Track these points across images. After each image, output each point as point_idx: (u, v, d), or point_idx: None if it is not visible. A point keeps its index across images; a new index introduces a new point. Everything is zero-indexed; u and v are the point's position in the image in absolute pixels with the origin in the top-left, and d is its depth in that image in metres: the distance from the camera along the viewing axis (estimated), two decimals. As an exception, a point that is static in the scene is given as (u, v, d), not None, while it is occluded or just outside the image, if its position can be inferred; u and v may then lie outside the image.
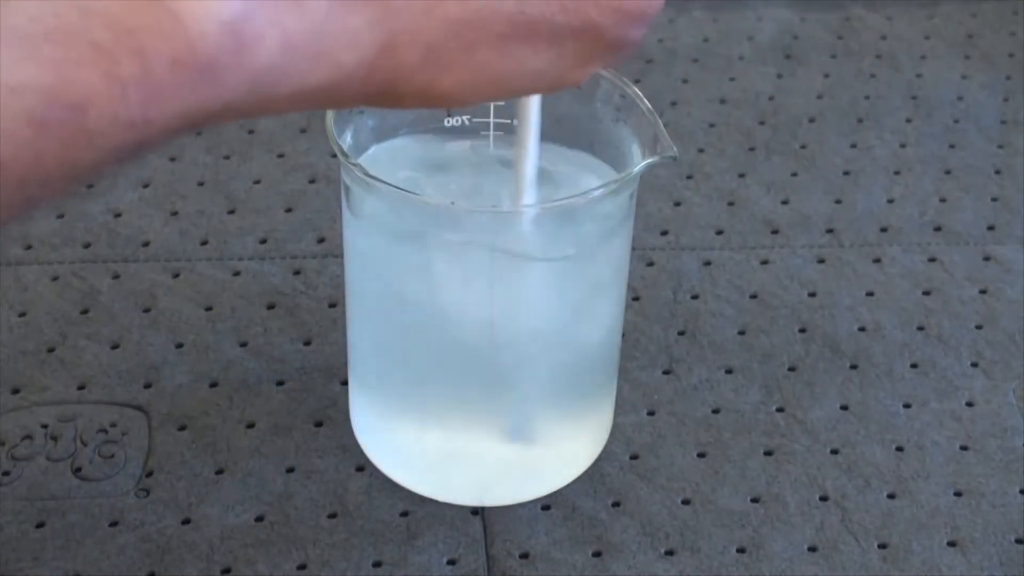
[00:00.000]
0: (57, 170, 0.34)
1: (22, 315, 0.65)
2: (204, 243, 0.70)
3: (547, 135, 0.52)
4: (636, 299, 0.68)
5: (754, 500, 0.59)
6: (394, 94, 0.41)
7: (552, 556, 0.56)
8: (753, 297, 0.69)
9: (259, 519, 0.57)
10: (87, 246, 0.69)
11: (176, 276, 0.68)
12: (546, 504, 0.58)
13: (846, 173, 0.76)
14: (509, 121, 0.56)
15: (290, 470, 0.59)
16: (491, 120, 0.56)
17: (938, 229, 0.73)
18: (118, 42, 0.34)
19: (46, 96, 0.33)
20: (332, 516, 0.58)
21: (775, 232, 0.72)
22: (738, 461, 0.61)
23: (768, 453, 0.61)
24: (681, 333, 0.66)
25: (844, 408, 0.63)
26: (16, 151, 0.33)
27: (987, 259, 0.71)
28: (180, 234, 0.70)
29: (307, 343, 0.65)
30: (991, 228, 0.73)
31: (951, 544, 0.58)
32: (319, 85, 0.38)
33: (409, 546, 0.56)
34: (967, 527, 0.58)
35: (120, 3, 0.34)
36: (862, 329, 0.67)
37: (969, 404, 0.64)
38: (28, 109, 0.33)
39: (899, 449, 0.62)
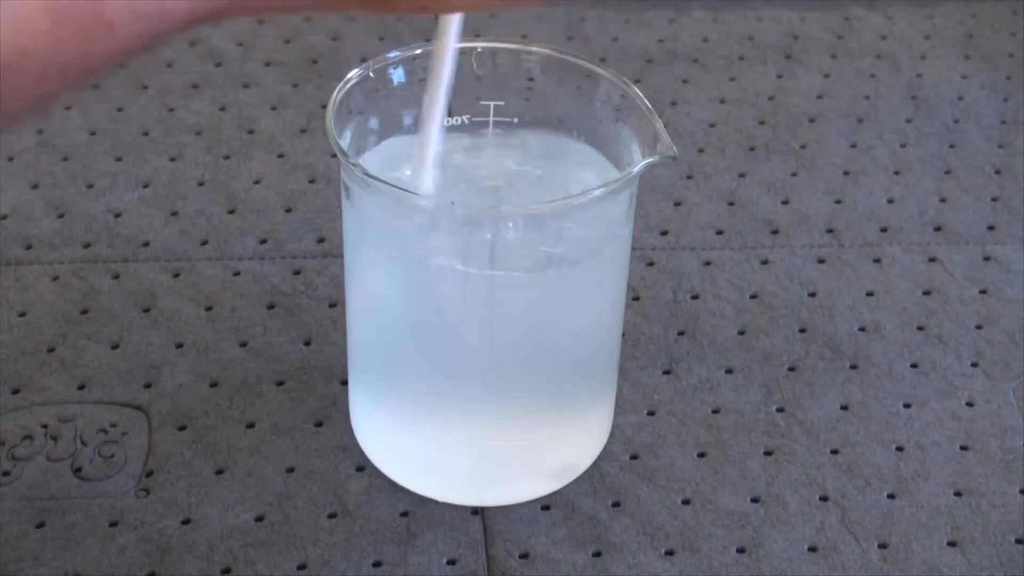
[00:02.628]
0: (75, 60, 0.35)
1: (22, 315, 0.65)
2: (204, 243, 0.70)
3: (548, 127, 0.53)
4: (636, 299, 0.68)
5: (754, 500, 0.59)
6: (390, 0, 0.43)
7: (552, 556, 0.56)
8: (753, 297, 0.69)
9: (259, 519, 0.57)
10: (87, 246, 0.69)
11: (176, 276, 0.68)
12: (546, 504, 0.58)
13: (846, 173, 0.76)
14: (510, 120, 0.56)
15: (290, 470, 0.59)
16: (491, 119, 0.56)
17: (938, 229, 0.73)
18: None
19: None
20: (332, 516, 0.58)
21: (775, 232, 0.72)
22: (738, 461, 0.61)
23: (768, 453, 0.61)
24: (681, 333, 0.66)
25: (844, 408, 0.63)
26: (36, 41, 0.34)
27: (987, 259, 0.71)
28: (180, 234, 0.70)
29: (307, 343, 0.65)
30: (991, 228, 0.73)
31: (951, 544, 0.58)
32: None
33: (409, 546, 0.56)
34: (967, 527, 0.58)
35: None
36: (862, 329, 0.67)
37: (969, 404, 0.64)
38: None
39: (899, 449, 0.62)
